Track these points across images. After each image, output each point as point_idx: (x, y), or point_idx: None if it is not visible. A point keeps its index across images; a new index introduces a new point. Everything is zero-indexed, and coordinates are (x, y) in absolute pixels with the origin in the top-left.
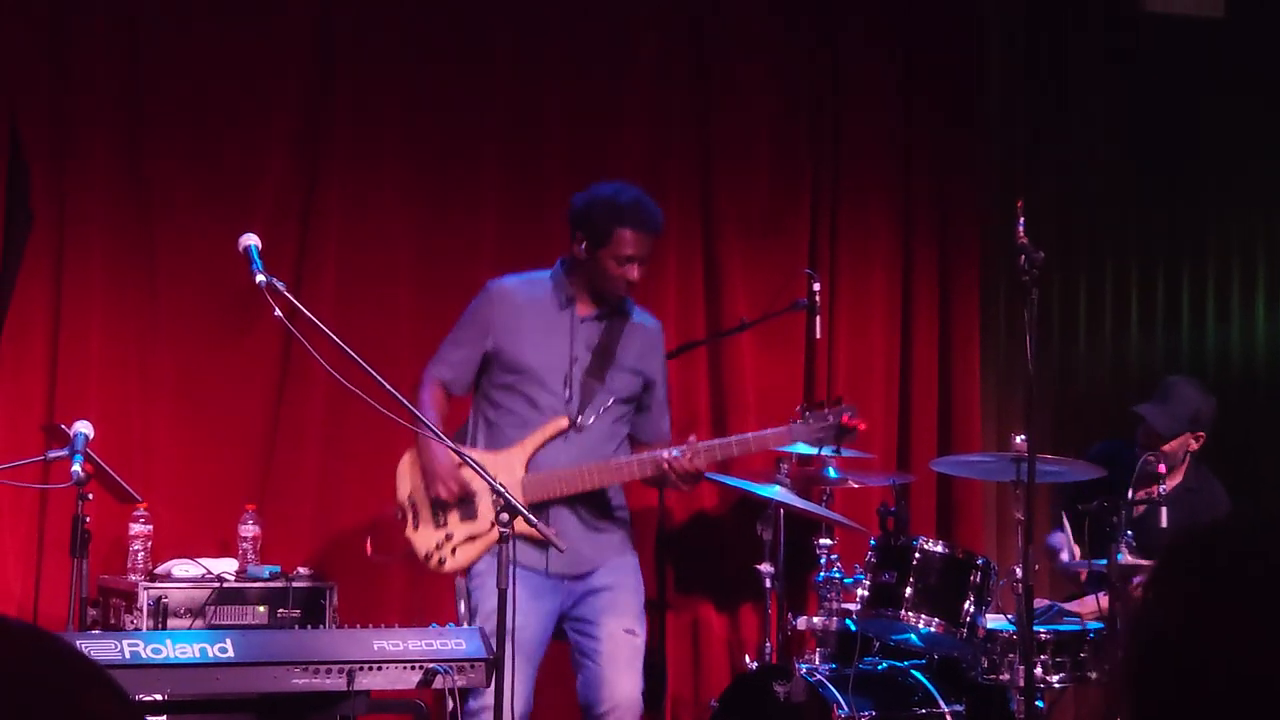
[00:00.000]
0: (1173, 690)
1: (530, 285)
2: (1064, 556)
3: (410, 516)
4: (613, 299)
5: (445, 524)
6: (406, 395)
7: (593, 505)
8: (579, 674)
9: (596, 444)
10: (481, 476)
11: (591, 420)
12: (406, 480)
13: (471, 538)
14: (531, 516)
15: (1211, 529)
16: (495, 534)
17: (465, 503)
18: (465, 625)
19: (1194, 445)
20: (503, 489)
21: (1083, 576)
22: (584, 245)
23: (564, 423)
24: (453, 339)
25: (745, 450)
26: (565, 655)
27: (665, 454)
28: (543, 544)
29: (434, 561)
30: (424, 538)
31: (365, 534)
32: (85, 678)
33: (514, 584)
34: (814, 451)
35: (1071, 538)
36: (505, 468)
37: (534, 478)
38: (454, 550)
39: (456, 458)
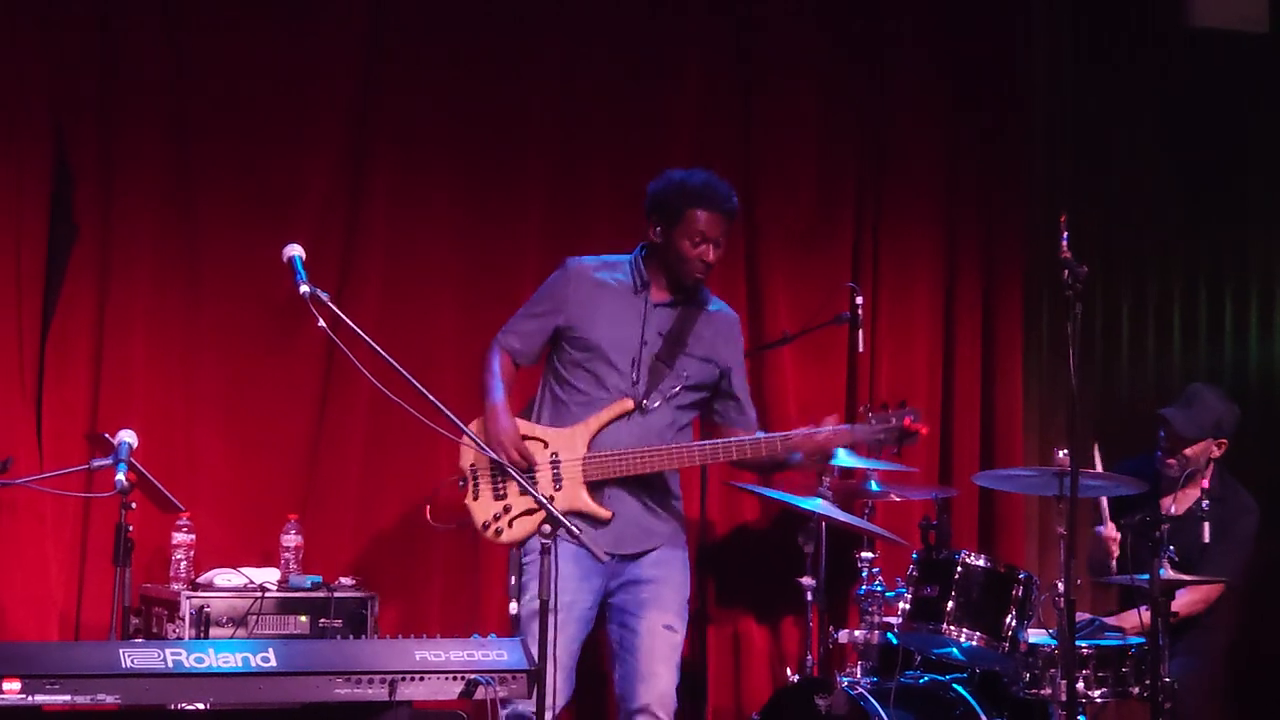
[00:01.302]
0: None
1: (608, 267)
2: (1102, 529)
3: (471, 485)
4: (688, 282)
5: (504, 495)
6: (452, 405)
7: (653, 490)
8: (617, 666)
9: (660, 429)
10: (526, 491)
11: (657, 404)
12: (470, 449)
13: (529, 511)
14: (572, 526)
15: None
16: (556, 506)
17: (526, 475)
18: (512, 599)
19: (1216, 452)
20: (545, 502)
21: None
22: (659, 229)
23: (629, 404)
24: (526, 310)
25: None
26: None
27: (807, 430)
28: (595, 521)
29: (490, 531)
30: (482, 507)
31: (407, 544)
32: None
33: (556, 578)
34: (860, 463)
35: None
36: (568, 444)
37: (596, 456)
38: (511, 522)
39: (519, 425)
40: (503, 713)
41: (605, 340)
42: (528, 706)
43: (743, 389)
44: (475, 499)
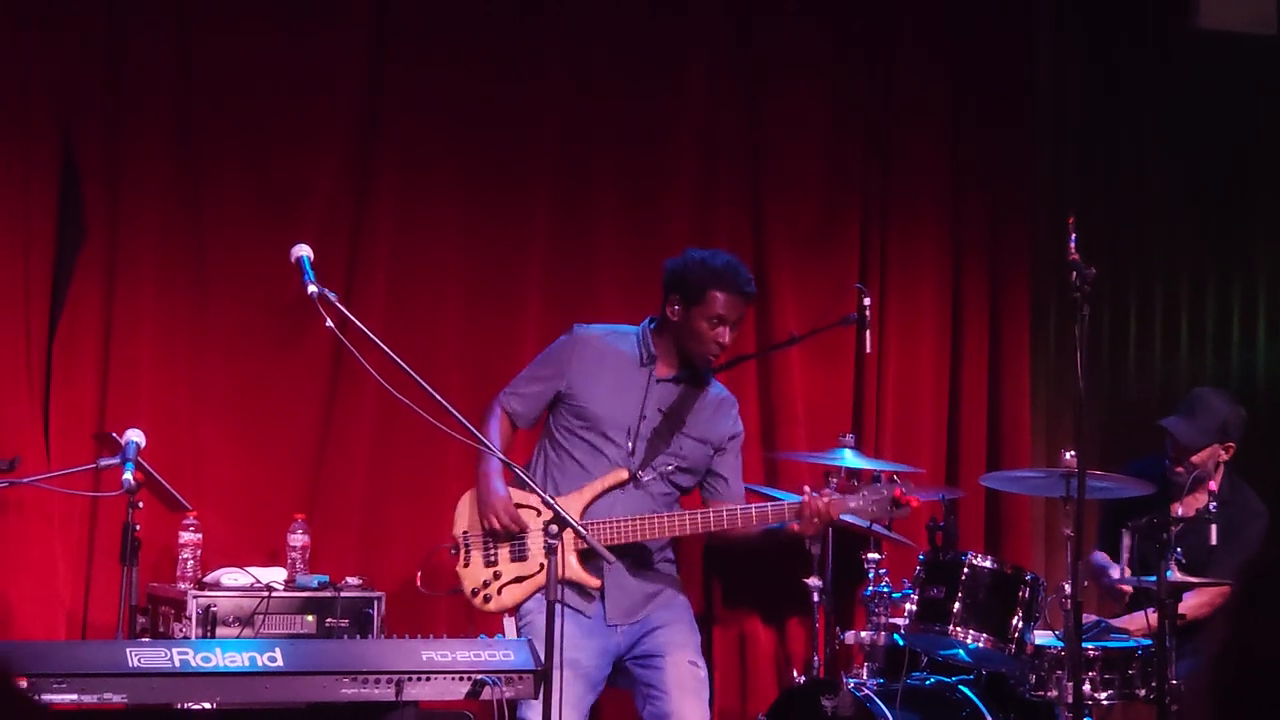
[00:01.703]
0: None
1: (614, 337)
2: (1114, 573)
3: (463, 552)
4: (700, 363)
5: (495, 562)
6: (457, 406)
7: (642, 556)
8: (646, 707)
9: (652, 501)
10: (532, 488)
11: (651, 478)
12: (465, 516)
13: (519, 578)
14: (580, 528)
15: None
16: (542, 578)
17: (517, 542)
18: None
19: (1224, 456)
20: (552, 500)
21: (1127, 595)
22: (677, 306)
23: (623, 475)
24: (529, 374)
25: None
26: (623, 701)
27: (806, 499)
28: (595, 593)
29: (479, 599)
30: (472, 574)
31: (414, 544)
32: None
33: (563, 616)
34: (868, 464)
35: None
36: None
37: (588, 524)
38: (500, 590)
39: (512, 494)
40: None
41: (604, 412)
42: None
43: (733, 469)
44: (465, 566)
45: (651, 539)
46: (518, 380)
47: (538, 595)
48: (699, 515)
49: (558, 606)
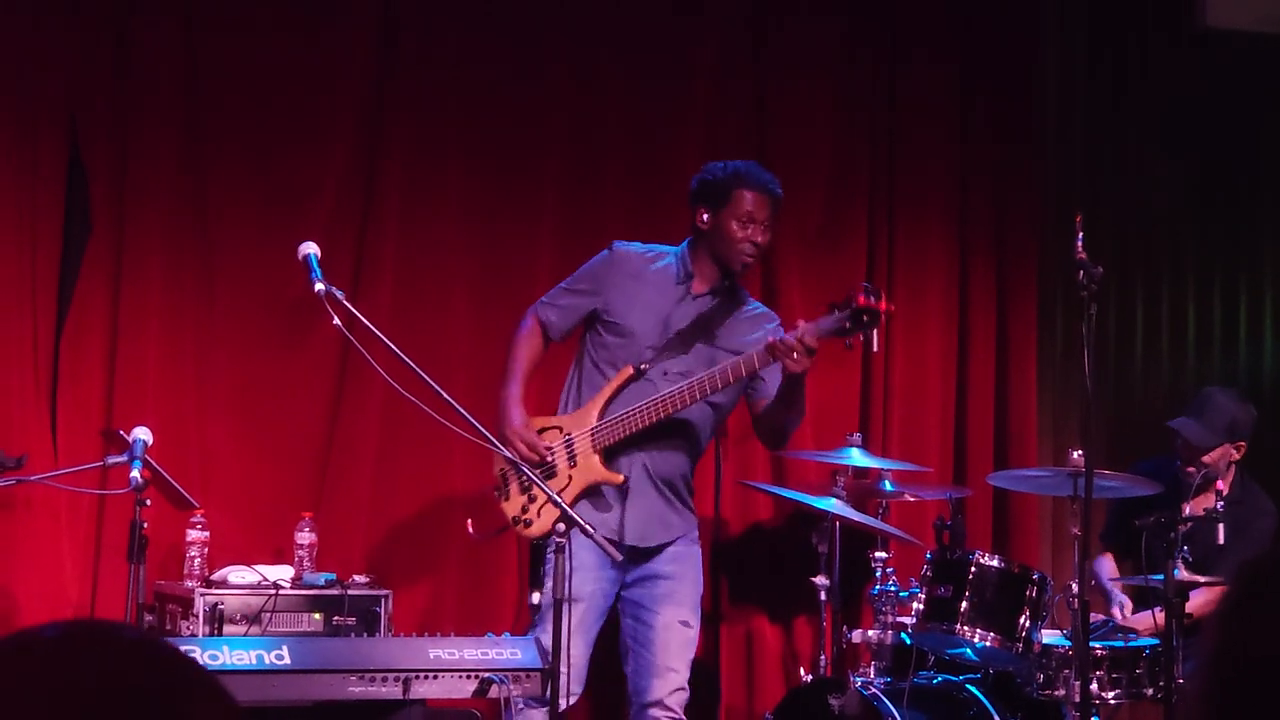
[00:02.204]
0: (1272, 711)
1: (653, 255)
2: (1116, 612)
3: (502, 488)
4: (736, 266)
5: (529, 487)
6: (464, 404)
7: (672, 484)
8: (628, 660)
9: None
10: (542, 490)
11: (659, 371)
12: (500, 454)
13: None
14: (587, 526)
15: None
16: (575, 486)
17: (543, 466)
18: (534, 589)
19: (1235, 455)
20: (557, 497)
21: (1122, 613)
22: (705, 215)
23: (629, 370)
24: (566, 285)
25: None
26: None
27: (770, 338)
28: (616, 503)
29: (520, 525)
30: (511, 505)
31: (421, 542)
32: (193, 688)
33: (571, 573)
34: (875, 463)
35: (1121, 593)
36: (581, 420)
37: (605, 421)
38: (539, 512)
39: (527, 420)
40: (518, 700)
41: (639, 326)
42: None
43: (774, 380)
44: (506, 499)
45: (650, 423)
46: (554, 291)
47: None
48: (696, 382)
49: (575, 534)
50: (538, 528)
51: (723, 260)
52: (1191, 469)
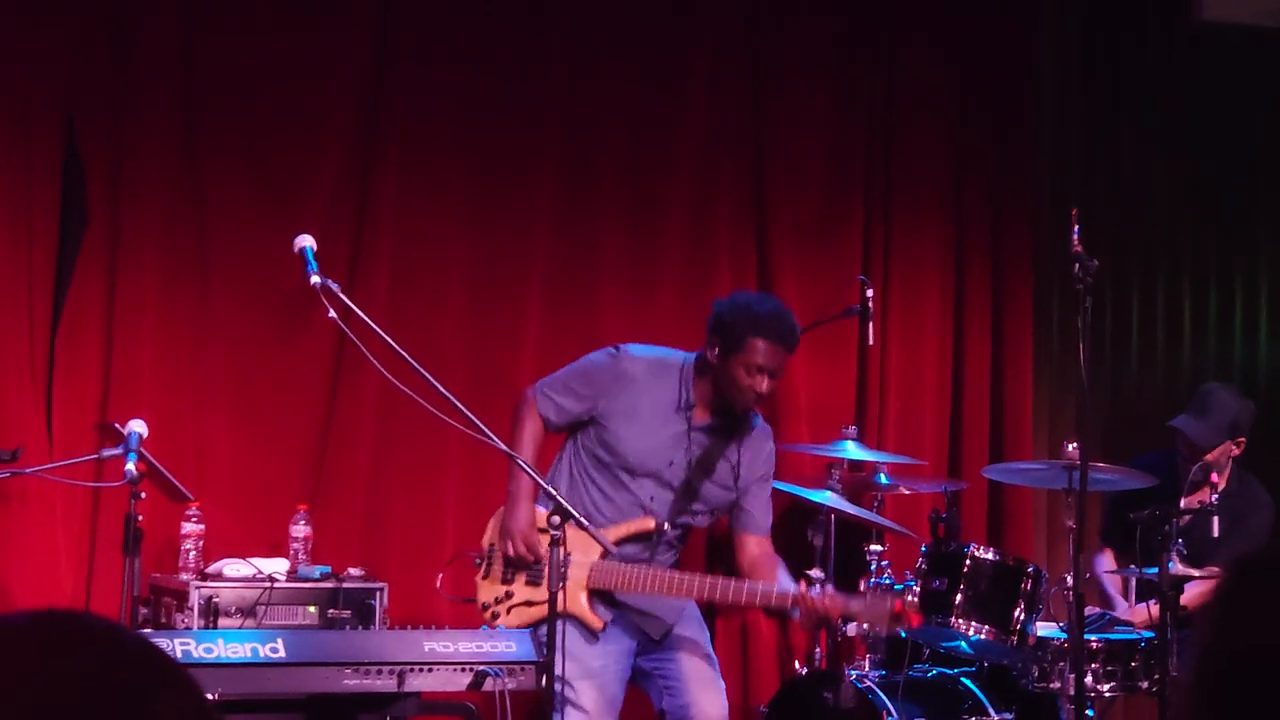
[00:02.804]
0: (1266, 701)
1: (658, 369)
2: (1119, 611)
3: (485, 564)
4: (739, 410)
5: (511, 581)
6: (459, 397)
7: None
8: (664, 698)
9: (667, 550)
10: (546, 492)
11: (673, 533)
12: (492, 530)
13: (529, 602)
14: (582, 519)
15: None
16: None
17: (534, 568)
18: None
19: (1236, 451)
20: (554, 492)
21: (1125, 613)
22: (716, 350)
23: (650, 524)
24: (565, 382)
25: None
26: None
27: (802, 589)
28: (588, 629)
29: (489, 614)
30: (487, 589)
31: (416, 535)
32: (159, 678)
33: (564, 562)
34: (869, 455)
35: (1119, 590)
36: (583, 548)
37: (607, 565)
38: (509, 610)
39: (533, 520)
40: None
41: (633, 451)
42: None
43: (762, 503)
44: (484, 578)
45: (654, 593)
46: (555, 381)
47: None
48: (706, 582)
49: (567, 624)
50: (503, 623)
51: (722, 398)
52: (1199, 467)
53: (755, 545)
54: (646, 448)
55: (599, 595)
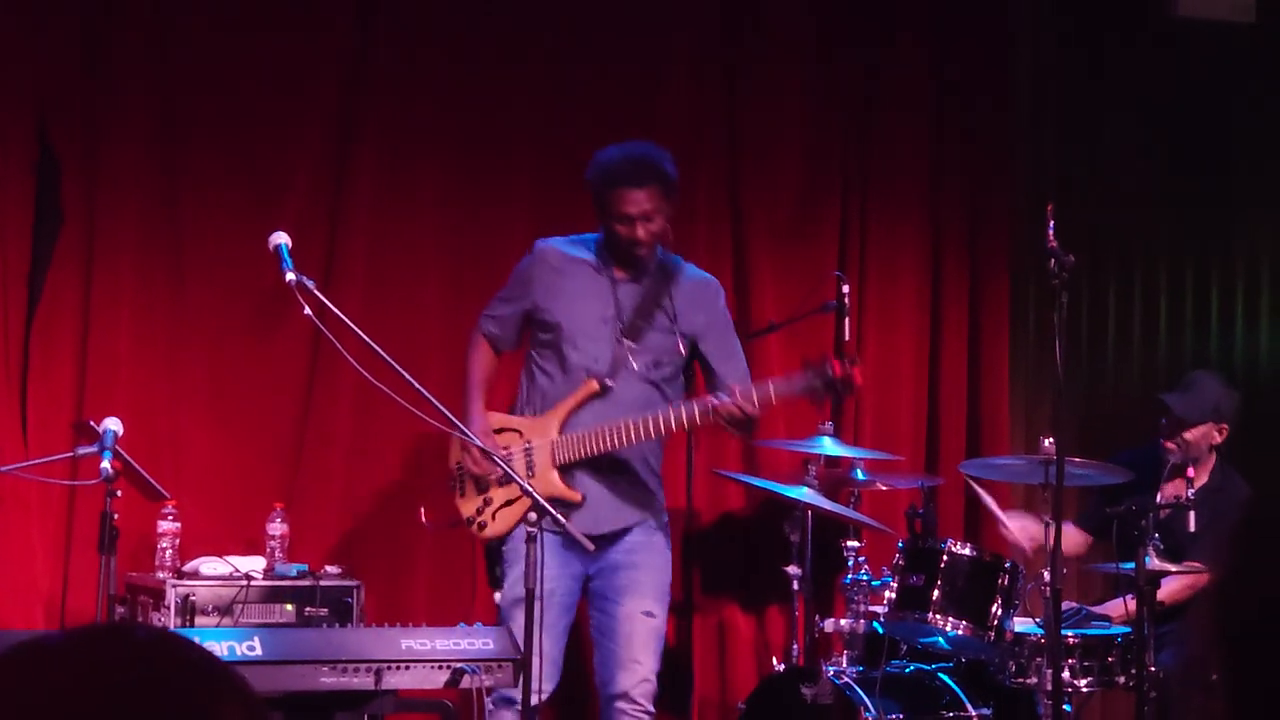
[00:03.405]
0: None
1: (575, 246)
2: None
3: (457, 484)
4: (633, 261)
5: (486, 489)
6: (436, 394)
7: (624, 469)
8: (596, 651)
9: (629, 404)
10: (512, 478)
11: (623, 381)
12: (457, 447)
13: (509, 502)
14: (558, 515)
15: None
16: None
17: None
18: (494, 589)
19: (1217, 438)
20: (531, 490)
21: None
22: (599, 216)
23: (594, 385)
24: (501, 295)
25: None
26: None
27: (709, 400)
28: (566, 504)
29: (475, 526)
30: (467, 504)
31: (393, 532)
32: (217, 687)
33: (542, 563)
34: (847, 452)
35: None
36: (541, 431)
37: (566, 438)
38: (494, 515)
39: (492, 418)
40: (488, 699)
41: (567, 320)
42: (514, 692)
43: (726, 351)
44: (461, 496)
45: (622, 445)
46: (492, 302)
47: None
48: (655, 419)
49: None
50: (492, 531)
51: (618, 257)
52: (1173, 445)
53: None
54: (578, 311)
55: (569, 470)
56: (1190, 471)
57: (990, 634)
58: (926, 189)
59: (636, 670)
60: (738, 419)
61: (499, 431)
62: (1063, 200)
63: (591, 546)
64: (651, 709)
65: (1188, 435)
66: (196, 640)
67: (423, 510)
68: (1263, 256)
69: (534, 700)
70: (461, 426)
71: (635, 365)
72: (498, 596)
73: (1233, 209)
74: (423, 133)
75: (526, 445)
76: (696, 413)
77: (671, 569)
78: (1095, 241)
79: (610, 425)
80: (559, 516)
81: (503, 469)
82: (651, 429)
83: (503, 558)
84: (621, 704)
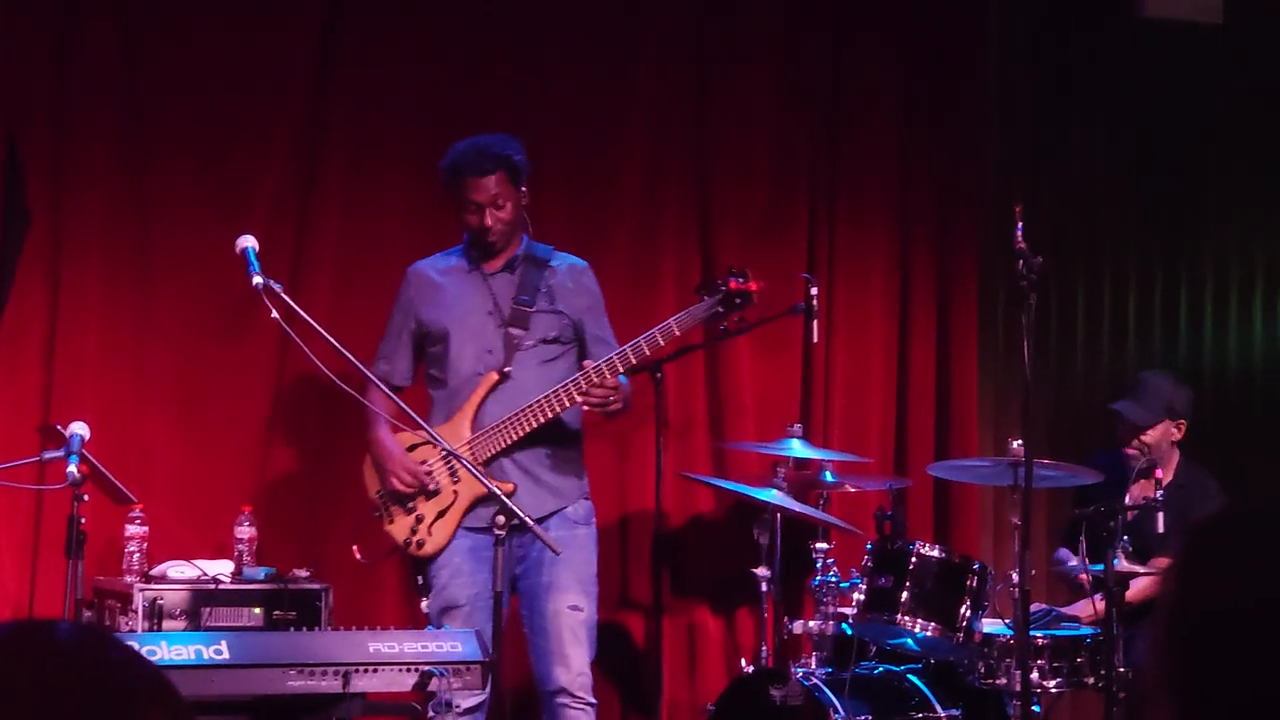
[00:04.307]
0: (1231, 664)
1: (443, 258)
2: (1071, 561)
3: (383, 512)
4: (489, 249)
5: (415, 508)
6: (401, 397)
7: (535, 460)
8: (530, 649)
9: (530, 389)
10: (493, 494)
11: (519, 367)
12: (373, 477)
13: (441, 513)
14: (525, 516)
15: (1252, 507)
16: (462, 500)
17: (425, 489)
18: (421, 596)
19: (1176, 435)
20: (499, 492)
21: (1085, 580)
22: (453, 208)
23: (494, 377)
24: (385, 333)
25: (652, 347)
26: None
27: (570, 383)
28: (486, 498)
29: (414, 547)
30: (398, 528)
31: (360, 536)
32: (140, 688)
33: (502, 568)
34: (816, 454)
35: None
36: (454, 434)
37: (479, 435)
38: (430, 530)
39: (402, 439)
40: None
41: (452, 324)
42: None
43: (598, 338)
44: (391, 522)
45: (535, 427)
46: (379, 347)
47: (459, 530)
48: (560, 390)
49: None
50: (432, 546)
51: (480, 248)
52: (1133, 450)
53: None
54: (460, 313)
55: (490, 465)
56: (1158, 472)
57: (959, 635)
58: (896, 191)
59: (571, 665)
60: (592, 402)
61: (413, 448)
62: (1031, 201)
63: (559, 550)
64: (593, 699)
65: (1146, 438)
66: (133, 643)
67: (355, 549)
68: (1231, 257)
69: (469, 703)
70: (427, 427)
71: (527, 349)
72: (424, 605)
73: (1201, 210)
74: (391, 136)
75: (444, 452)
76: (574, 393)
77: (597, 557)
78: (1065, 243)
79: (519, 411)
80: (527, 519)
81: (470, 470)
82: (557, 405)
83: (429, 570)
84: (562, 699)
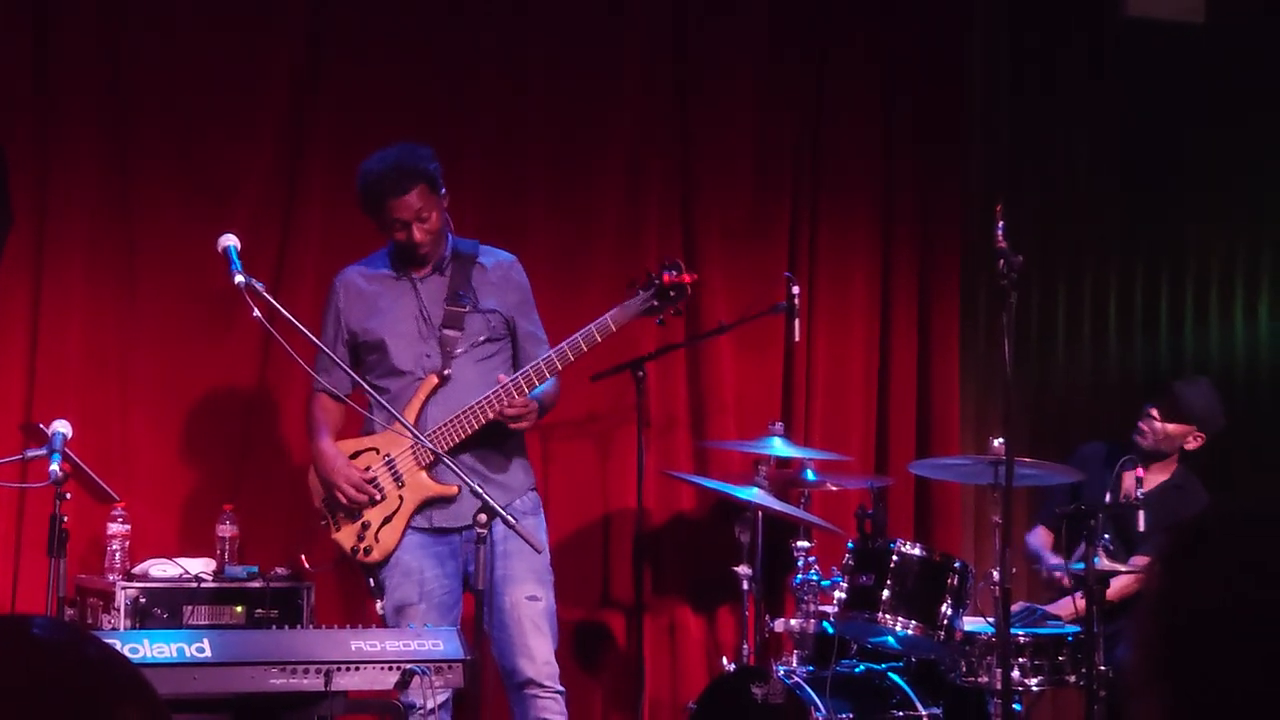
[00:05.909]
0: (1218, 662)
1: (370, 264)
2: (1049, 560)
3: (328, 520)
4: (420, 260)
5: (360, 515)
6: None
7: (479, 459)
8: (493, 644)
9: (471, 387)
10: (474, 493)
11: (458, 368)
12: (317, 487)
13: (387, 518)
14: (510, 517)
15: (1241, 506)
16: (408, 505)
17: (370, 499)
18: (376, 599)
19: (1191, 444)
20: (483, 493)
21: (1065, 581)
22: (378, 228)
23: (433, 380)
24: (320, 344)
25: (590, 344)
26: None
27: (490, 397)
28: (445, 500)
29: (361, 554)
30: (345, 535)
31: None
32: (115, 686)
33: (486, 566)
34: (797, 452)
35: (1049, 543)
36: (396, 441)
37: (424, 436)
38: (376, 537)
39: (343, 447)
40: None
41: (386, 332)
42: (413, 698)
43: (528, 334)
44: (337, 530)
45: (478, 426)
46: (316, 359)
47: (408, 532)
48: (485, 401)
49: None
50: (379, 553)
51: (411, 259)
52: (1146, 430)
53: None
54: (392, 320)
55: (434, 468)
56: (1140, 471)
57: (940, 633)
58: (878, 190)
59: (535, 656)
60: (508, 415)
61: (356, 455)
62: (1013, 200)
63: (541, 549)
64: (560, 687)
65: (1170, 427)
66: (115, 641)
67: (303, 557)
68: (1212, 257)
69: (436, 701)
70: (409, 425)
71: (463, 350)
72: (379, 606)
73: (1183, 209)
74: (374, 137)
75: (386, 457)
76: (563, 355)
77: (549, 546)
78: (1045, 242)
79: (457, 415)
80: (509, 518)
81: (444, 462)
82: (490, 411)
83: (380, 572)
84: (531, 690)
